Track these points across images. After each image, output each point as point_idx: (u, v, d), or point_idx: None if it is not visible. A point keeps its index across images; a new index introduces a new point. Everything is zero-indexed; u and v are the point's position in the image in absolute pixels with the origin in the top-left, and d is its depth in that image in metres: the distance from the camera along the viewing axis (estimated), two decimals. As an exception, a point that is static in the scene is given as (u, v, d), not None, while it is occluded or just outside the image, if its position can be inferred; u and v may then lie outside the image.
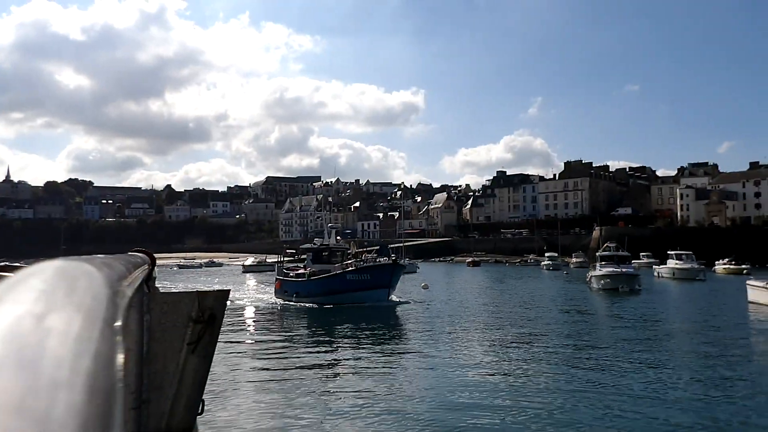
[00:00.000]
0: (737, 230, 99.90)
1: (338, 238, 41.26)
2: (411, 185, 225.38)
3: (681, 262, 59.35)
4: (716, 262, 69.09)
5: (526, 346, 19.24)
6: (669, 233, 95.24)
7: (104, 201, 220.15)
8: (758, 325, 24.93)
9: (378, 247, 37.26)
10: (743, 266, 64.70)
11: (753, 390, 13.01)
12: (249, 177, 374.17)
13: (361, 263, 33.16)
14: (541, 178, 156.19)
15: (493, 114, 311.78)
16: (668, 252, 63.02)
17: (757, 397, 12.38)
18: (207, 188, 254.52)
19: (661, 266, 63.31)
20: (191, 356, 2.66)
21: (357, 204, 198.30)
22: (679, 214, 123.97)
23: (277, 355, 18.30)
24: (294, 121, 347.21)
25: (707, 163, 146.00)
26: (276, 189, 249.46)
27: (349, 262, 34.80)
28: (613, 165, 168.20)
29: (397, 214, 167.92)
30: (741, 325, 24.99)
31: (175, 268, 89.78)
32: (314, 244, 38.69)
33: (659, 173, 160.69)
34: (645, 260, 74.50)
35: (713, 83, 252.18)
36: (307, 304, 32.15)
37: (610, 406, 11.63)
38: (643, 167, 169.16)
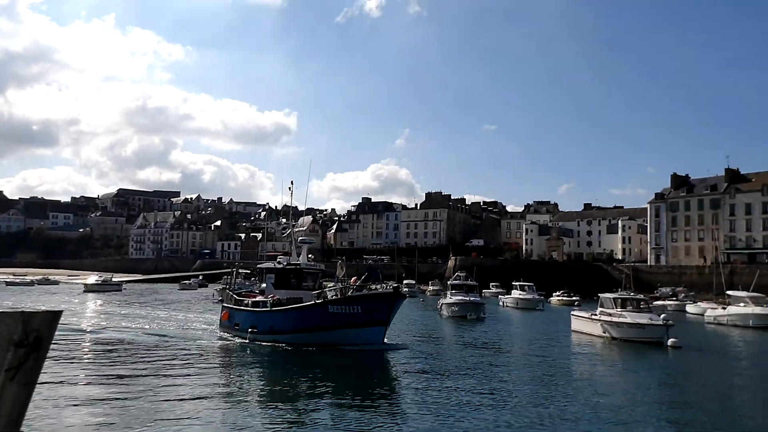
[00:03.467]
0: (572, 264, 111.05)
1: (310, 256, 31.13)
2: (277, 206, 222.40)
3: (523, 292, 64.72)
4: (553, 294, 76.45)
5: (379, 370, 19.90)
6: (515, 265, 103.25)
7: None
8: (577, 350, 28.61)
9: (367, 273, 25.43)
10: (574, 298, 71.92)
11: (566, 403, 14.69)
12: (99, 188, 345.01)
13: (348, 290, 24.34)
14: (404, 207, 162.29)
15: (362, 142, 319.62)
16: (513, 283, 68.47)
17: (569, 408, 13.97)
18: (48, 197, 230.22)
19: (506, 296, 68.49)
20: (9, 384, 2.46)
21: (218, 223, 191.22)
22: (524, 247, 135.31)
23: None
24: (156, 132, 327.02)
25: (549, 201, 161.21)
26: (128, 202, 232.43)
27: (331, 287, 26.01)
28: (470, 198, 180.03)
29: (260, 235, 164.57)
30: (564, 350, 28.10)
31: (2, 285, 79.76)
32: (278, 263, 29.41)
33: (509, 208, 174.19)
34: (494, 290, 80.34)
35: (556, 129, 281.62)
36: (265, 343, 24.68)
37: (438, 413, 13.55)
38: (495, 202, 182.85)
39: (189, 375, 18.44)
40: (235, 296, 29.68)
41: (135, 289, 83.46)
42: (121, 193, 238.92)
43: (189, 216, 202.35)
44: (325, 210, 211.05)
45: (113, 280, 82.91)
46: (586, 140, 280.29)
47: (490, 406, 14.79)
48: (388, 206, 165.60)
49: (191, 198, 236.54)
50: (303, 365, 20.75)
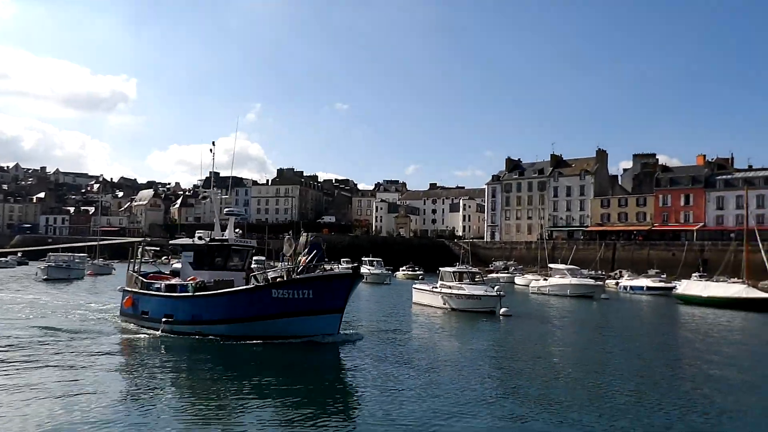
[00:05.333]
0: (417, 241, 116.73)
1: (238, 231, 25.73)
2: (112, 178, 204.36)
3: (372, 267, 66.66)
4: (400, 269, 79.97)
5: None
6: (365, 241, 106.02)
7: None
8: (416, 319, 30.52)
9: (309, 250, 21.19)
10: (419, 272, 75.79)
11: (406, 373, 15.34)
12: None
13: (290, 271, 20.59)
14: (255, 183, 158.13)
15: (210, 114, 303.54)
16: (362, 258, 70.15)
17: (411, 379, 14.60)
18: None
19: (356, 271, 69.99)
20: None
21: (41, 195, 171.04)
22: (374, 224, 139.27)
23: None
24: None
25: (398, 181, 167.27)
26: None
27: (276, 267, 22.26)
28: (322, 176, 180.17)
29: (92, 210, 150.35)
30: (405, 319, 29.61)
31: None
32: (199, 238, 24.02)
33: (360, 187, 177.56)
34: (345, 265, 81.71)
35: (403, 112, 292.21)
36: (186, 335, 20.69)
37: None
38: (347, 180, 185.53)
39: (89, 380, 14.30)
40: (142, 279, 24.57)
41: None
42: None
43: (5, 186, 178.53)
44: (169, 184, 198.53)
45: None
46: (431, 124, 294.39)
47: (342, 382, 14.91)
48: (238, 181, 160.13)
49: (7, 167, 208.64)
50: (235, 364, 17.26)
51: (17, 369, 15.30)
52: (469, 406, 12.55)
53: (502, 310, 32.28)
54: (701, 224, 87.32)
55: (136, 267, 25.73)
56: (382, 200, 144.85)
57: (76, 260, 64.30)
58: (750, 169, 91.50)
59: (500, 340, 23.99)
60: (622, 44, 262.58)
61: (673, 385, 15.60)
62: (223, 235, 24.31)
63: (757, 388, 15.80)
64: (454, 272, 37.08)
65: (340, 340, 20.23)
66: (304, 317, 19.57)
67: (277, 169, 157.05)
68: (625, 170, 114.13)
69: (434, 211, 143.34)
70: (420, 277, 70.43)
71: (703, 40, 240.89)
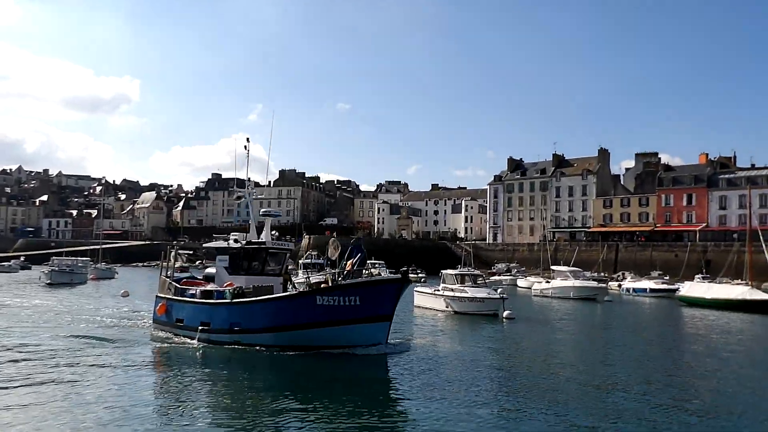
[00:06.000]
0: (419, 242, 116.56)
1: (274, 233, 24.77)
2: (114, 181, 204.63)
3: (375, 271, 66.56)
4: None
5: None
6: (366, 244, 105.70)
7: None
8: (418, 322, 30.61)
9: (351, 252, 19.97)
10: (421, 275, 75.57)
11: (410, 375, 15.30)
12: None
13: (335, 276, 19.37)
14: (257, 184, 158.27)
15: (212, 115, 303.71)
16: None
17: (413, 380, 14.56)
18: None
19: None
20: None
21: (44, 198, 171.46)
22: (376, 226, 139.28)
23: None
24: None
25: (400, 181, 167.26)
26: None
27: (320, 273, 20.81)
28: (324, 177, 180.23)
29: (95, 213, 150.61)
30: (406, 323, 29.55)
31: None
32: (235, 240, 22.75)
33: (362, 188, 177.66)
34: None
35: (405, 111, 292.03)
36: (223, 345, 19.66)
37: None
38: (349, 181, 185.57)
39: (128, 391, 13.96)
40: (175, 284, 23.31)
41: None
42: None
43: (8, 190, 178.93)
44: (171, 186, 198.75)
45: None
46: (433, 124, 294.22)
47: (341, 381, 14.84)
48: (240, 183, 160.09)
49: (10, 170, 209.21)
50: (277, 376, 16.51)
51: (47, 380, 14.72)
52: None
53: (506, 313, 32.22)
54: (704, 224, 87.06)
55: (169, 272, 24.64)
56: (384, 201, 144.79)
57: (79, 264, 64.41)
58: (753, 167, 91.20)
59: (504, 343, 23.92)
60: (623, 43, 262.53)
61: (675, 388, 15.53)
62: (259, 237, 23.10)
63: (759, 391, 15.71)
64: (456, 275, 37.04)
65: (388, 351, 18.85)
66: (350, 325, 18.36)
67: (279, 171, 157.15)
68: (627, 170, 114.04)
69: (436, 212, 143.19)
70: (422, 279, 70.29)
71: (705, 38, 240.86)
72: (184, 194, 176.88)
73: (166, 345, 20.68)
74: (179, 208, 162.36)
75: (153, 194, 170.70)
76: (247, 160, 25.15)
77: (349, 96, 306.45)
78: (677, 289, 53.27)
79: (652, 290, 57.72)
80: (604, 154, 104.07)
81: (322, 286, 19.27)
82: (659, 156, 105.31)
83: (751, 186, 64.03)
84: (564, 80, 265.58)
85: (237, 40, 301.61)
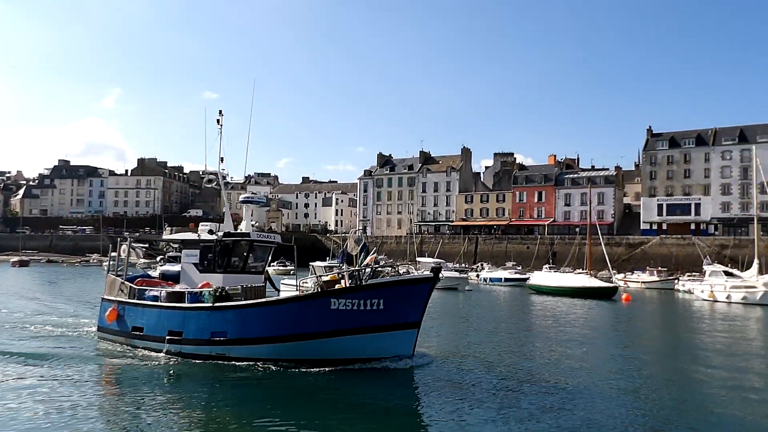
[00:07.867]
0: (290, 235, 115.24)
1: (254, 223, 21.18)
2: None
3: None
4: (271, 264, 78.46)
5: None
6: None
7: None
8: None
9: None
10: (290, 267, 74.96)
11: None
12: None
13: (350, 275, 16.36)
14: (111, 173, 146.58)
15: (58, 96, 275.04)
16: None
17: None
18: None
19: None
20: None
21: None
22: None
23: None
24: None
25: (270, 174, 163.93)
26: None
27: (336, 271, 17.91)
28: (189, 167, 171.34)
29: None
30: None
31: None
32: (209, 231, 18.60)
33: (229, 179, 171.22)
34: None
35: (274, 104, 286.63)
36: (200, 360, 15.99)
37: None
38: (215, 172, 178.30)
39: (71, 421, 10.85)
40: (129, 285, 19.02)
41: None
42: None
43: None
44: (8, 172, 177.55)
45: None
46: (304, 118, 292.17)
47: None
48: (91, 171, 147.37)
49: None
50: (276, 399, 13.01)
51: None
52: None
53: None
54: (552, 219, 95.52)
55: (119, 270, 20.19)
56: (253, 193, 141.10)
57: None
58: (593, 168, 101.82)
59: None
60: (488, 49, 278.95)
61: (521, 368, 16.82)
62: (239, 228, 19.61)
63: (595, 369, 17.53)
64: (325, 266, 37.07)
65: (415, 364, 15.73)
66: (372, 334, 15.21)
67: (138, 159, 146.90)
68: (486, 168, 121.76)
69: (307, 206, 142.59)
70: (291, 272, 69.64)
71: (554, 48, 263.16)
72: (24, 181, 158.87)
73: (118, 360, 16.68)
74: (19, 196, 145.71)
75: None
76: (220, 138, 20.52)
77: (217, 84, 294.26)
78: (528, 279, 57.96)
79: (507, 279, 62.28)
80: (466, 153, 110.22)
81: (337, 287, 15.94)
82: (515, 156, 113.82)
83: (591, 185, 71.43)
84: (433, 81, 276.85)
85: (88, 19, 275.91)
